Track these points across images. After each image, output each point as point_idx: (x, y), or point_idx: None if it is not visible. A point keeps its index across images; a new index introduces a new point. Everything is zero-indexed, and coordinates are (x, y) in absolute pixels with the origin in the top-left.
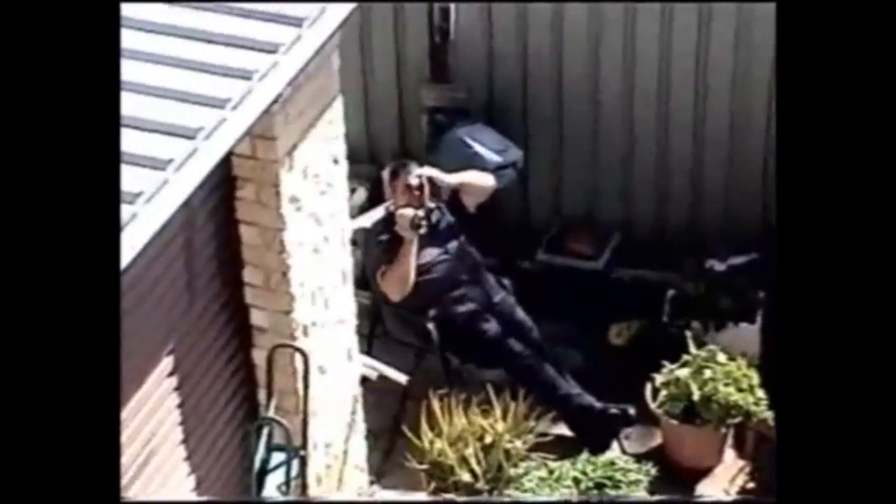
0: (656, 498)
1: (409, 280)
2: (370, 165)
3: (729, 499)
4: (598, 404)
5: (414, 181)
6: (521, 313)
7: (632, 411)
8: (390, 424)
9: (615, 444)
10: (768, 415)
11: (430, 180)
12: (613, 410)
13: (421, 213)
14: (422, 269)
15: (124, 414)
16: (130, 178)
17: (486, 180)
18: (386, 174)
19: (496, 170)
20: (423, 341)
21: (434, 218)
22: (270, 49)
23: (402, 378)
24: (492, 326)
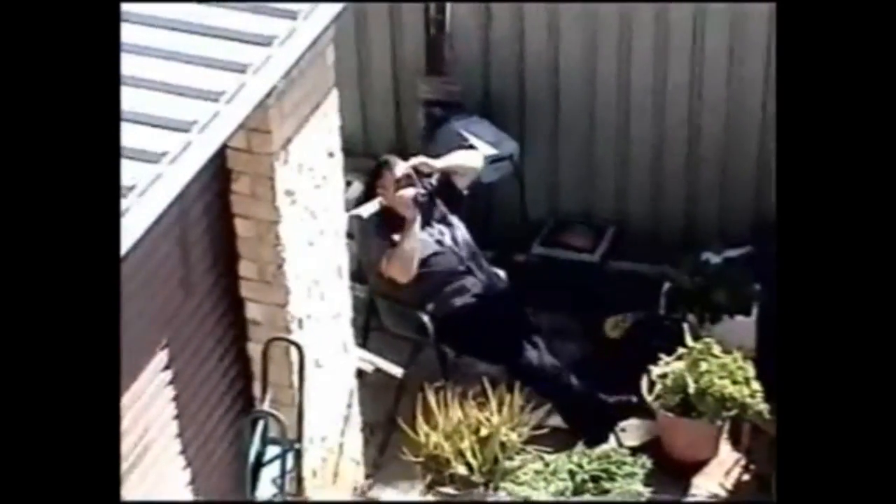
0: (647, 498)
1: (414, 259)
2: (366, 159)
3: (716, 500)
4: (597, 396)
5: (400, 173)
6: (518, 306)
7: (634, 399)
8: (386, 418)
9: (611, 437)
10: (763, 407)
11: (417, 170)
12: (612, 402)
13: (421, 189)
14: (419, 264)
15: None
16: (124, 172)
17: (473, 158)
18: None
19: (492, 162)
20: (418, 334)
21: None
22: (265, 42)
23: (397, 371)
24: (491, 319)
